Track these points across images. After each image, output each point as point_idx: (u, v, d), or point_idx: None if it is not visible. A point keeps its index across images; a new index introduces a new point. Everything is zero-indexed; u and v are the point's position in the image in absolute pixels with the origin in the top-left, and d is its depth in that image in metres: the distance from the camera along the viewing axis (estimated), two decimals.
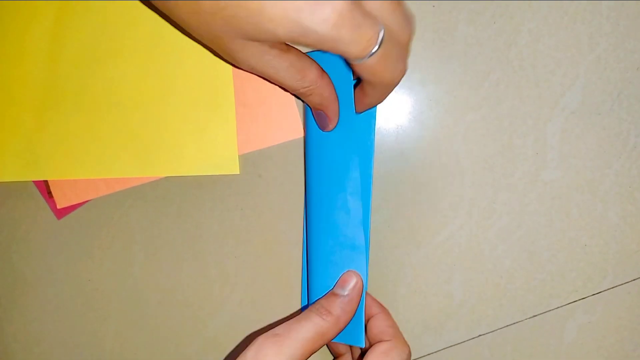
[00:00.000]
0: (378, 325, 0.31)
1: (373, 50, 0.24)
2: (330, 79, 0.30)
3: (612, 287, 0.35)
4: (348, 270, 0.31)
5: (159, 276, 0.38)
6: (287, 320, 0.29)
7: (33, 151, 0.37)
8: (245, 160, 0.36)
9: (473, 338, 0.36)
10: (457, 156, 0.35)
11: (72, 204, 0.38)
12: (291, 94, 0.34)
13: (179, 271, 0.38)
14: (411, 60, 0.31)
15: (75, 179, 0.37)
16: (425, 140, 0.35)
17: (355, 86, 0.31)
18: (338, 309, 0.29)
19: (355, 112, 0.32)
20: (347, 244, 0.32)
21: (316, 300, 0.30)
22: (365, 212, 0.32)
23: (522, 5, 0.34)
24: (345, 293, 0.30)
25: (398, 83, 0.28)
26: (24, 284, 0.39)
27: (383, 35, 0.24)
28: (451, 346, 0.36)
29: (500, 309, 0.36)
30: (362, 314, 0.31)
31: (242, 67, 0.28)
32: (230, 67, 0.35)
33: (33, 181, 0.38)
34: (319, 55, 0.30)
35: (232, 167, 0.36)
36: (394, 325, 0.31)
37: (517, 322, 0.36)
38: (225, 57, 0.28)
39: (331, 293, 0.30)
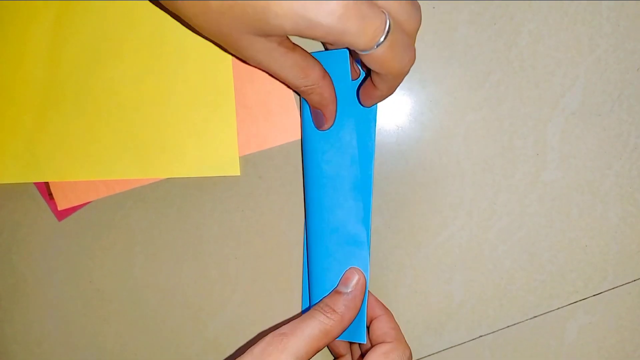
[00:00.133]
0: (381, 327, 0.31)
1: (380, 41, 0.24)
2: (331, 80, 0.30)
3: (613, 288, 0.35)
4: (350, 268, 0.32)
5: (160, 277, 0.38)
6: (290, 321, 0.29)
7: (33, 153, 0.37)
8: (246, 161, 0.36)
9: (473, 339, 0.36)
10: (457, 157, 0.35)
11: (72, 205, 0.38)
12: (292, 90, 0.35)
13: (179, 272, 0.38)
14: None
15: (75, 180, 0.37)
16: (426, 141, 0.35)
17: (363, 81, 0.31)
18: (342, 306, 0.29)
19: (364, 106, 0.32)
20: (349, 240, 0.32)
21: (320, 299, 0.31)
22: (366, 210, 0.33)
23: (522, 6, 0.34)
24: (349, 290, 0.30)
25: (407, 73, 0.28)
26: (24, 286, 0.39)
27: (390, 25, 0.24)
28: (452, 347, 0.36)
29: (501, 309, 0.36)
30: (364, 311, 0.31)
31: (249, 63, 0.29)
32: (231, 68, 0.35)
33: (34, 183, 0.38)
34: (321, 56, 0.31)
35: (233, 169, 0.36)
36: (397, 328, 0.32)
37: (517, 323, 0.36)
38: (233, 53, 0.29)
39: (335, 291, 0.31)
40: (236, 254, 0.37)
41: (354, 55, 0.31)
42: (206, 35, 0.28)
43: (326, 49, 0.33)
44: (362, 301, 0.31)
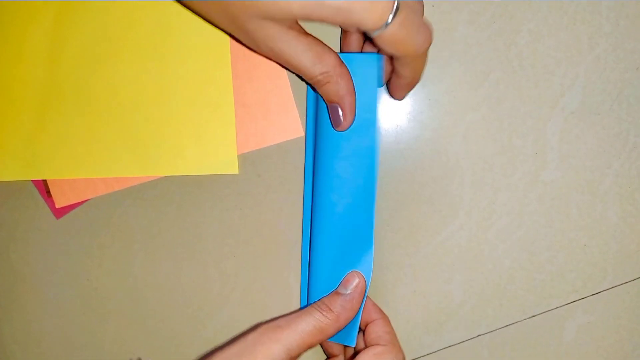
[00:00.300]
0: (376, 331, 0.31)
1: (389, 20, 0.24)
2: (348, 70, 0.29)
3: (612, 287, 0.35)
4: (352, 271, 0.32)
5: (158, 276, 0.38)
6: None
7: (32, 151, 0.37)
8: (245, 159, 0.36)
9: (472, 338, 0.36)
10: (456, 156, 0.35)
11: (71, 203, 0.38)
12: (307, 83, 0.33)
13: (178, 271, 0.38)
14: None
15: (74, 178, 0.37)
16: (425, 140, 0.35)
17: (387, 83, 0.31)
18: (339, 306, 0.30)
19: (397, 99, 0.31)
20: (354, 244, 0.32)
21: (320, 298, 0.31)
22: (370, 213, 0.32)
23: (521, 6, 0.34)
24: (348, 292, 0.31)
25: (425, 52, 0.27)
26: (22, 284, 0.39)
27: (398, 3, 0.24)
28: (451, 346, 0.36)
29: (500, 308, 0.36)
30: (359, 315, 0.31)
31: (261, 51, 0.28)
32: (230, 67, 0.35)
33: (32, 181, 0.38)
34: (348, 57, 0.30)
35: (231, 167, 0.36)
36: (391, 332, 0.32)
37: (516, 322, 0.36)
38: (244, 41, 0.28)
39: (334, 292, 0.31)
40: (235, 252, 0.37)
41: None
42: (216, 23, 0.28)
43: (341, 41, 0.32)
44: (360, 304, 0.31)
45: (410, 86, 0.30)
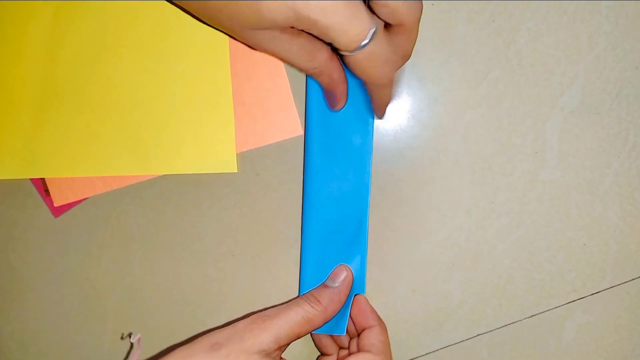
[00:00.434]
0: (371, 337, 0.32)
1: (362, 45, 0.25)
2: (340, 62, 0.30)
3: (611, 287, 0.35)
4: (340, 265, 0.33)
5: (157, 274, 0.38)
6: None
7: (30, 149, 0.37)
8: (243, 158, 0.36)
9: (472, 337, 0.36)
10: (455, 155, 0.35)
11: (69, 202, 0.38)
12: (304, 74, 0.35)
13: (176, 269, 0.38)
14: (410, 59, 0.31)
15: (72, 177, 0.37)
16: (424, 139, 0.35)
17: None
18: (327, 298, 0.31)
19: (377, 117, 0.33)
20: (348, 241, 0.33)
21: (308, 291, 0.32)
22: (364, 211, 0.34)
23: (521, 5, 0.34)
24: (336, 285, 0.32)
25: (386, 86, 0.29)
26: (20, 283, 0.39)
27: (374, 33, 0.25)
28: (450, 345, 0.36)
29: (499, 308, 0.36)
30: (348, 306, 0.33)
31: (259, 50, 0.30)
32: (229, 66, 0.35)
33: (30, 179, 0.38)
34: None
35: (230, 166, 0.36)
36: (386, 342, 0.32)
37: (515, 322, 0.36)
38: (242, 42, 0.31)
39: (322, 285, 0.33)
40: (233, 251, 0.37)
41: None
42: (214, 26, 0.30)
43: None
44: (347, 297, 0.32)
45: (381, 106, 0.31)
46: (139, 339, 0.32)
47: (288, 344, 0.30)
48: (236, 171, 0.36)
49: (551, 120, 0.34)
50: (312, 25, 0.25)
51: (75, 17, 0.36)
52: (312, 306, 0.30)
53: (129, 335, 0.38)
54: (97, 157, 0.37)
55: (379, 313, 0.34)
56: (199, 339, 0.29)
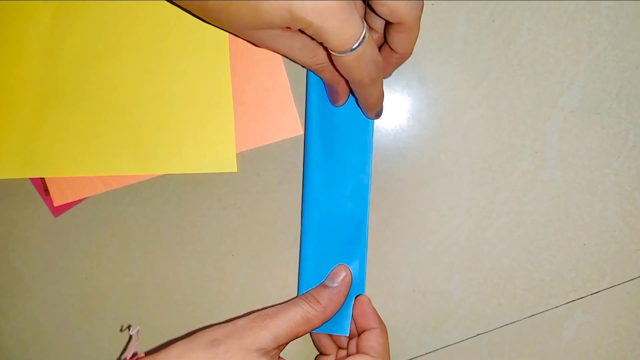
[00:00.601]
0: (370, 339, 0.32)
1: (353, 47, 0.26)
2: None
3: (611, 287, 0.35)
4: (339, 264, 0.33)
5: (157, 274, 0.38)
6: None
7: (30, 149, 0.37)
8: (243, 158, 0.36)
9: (471, 337, 0.36)
10: (455, 155, 0.35)
11: (69, 201, 0.38)
12: (307, 67, 0.35)
13: (176, 269, 0.38)
14: (410, 58, 0.31)
15: (72, 176, 0.37)
16: (424, 138, 0.35)
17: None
18: (326, 298, 0.31)
19: (367, 117, 0.33)
20: (348, 240, 0.33)
21: (307, 290, 0.32)
22: (364, 211, 0.34)
23: (521, 4, 0.34)
24: (335, 285, 0.32)
25: (371, 85, 0.29)
26: (20, 282, 0.39)
27: (364, 37, 0.26)
28: (449, 345, 0.36)
29: (499, 308, 0.36)
30: (350, 305, 0.33)
31: (262, 47, 0.31)
32: (229, 65, 0.35)
33: (30, 179, 0.38)
34: None
35: (230, 165, 0.36)
36: (385, 345, 0.32)
37: (515, 322, 0.36)
38: (246, 40, 0.32)
39: (322, 285, 0.33)
40: (233, 251, 0.37)
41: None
42: (216, 25, 0.31)
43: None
44: (346, 297, 0.32)
45: (369, 108, 0.32)
46: (138, 331, 0.32)
47: (287, 344, 0.30)
48: (236, 171, 0.36)
49: (551, 120, 0.34)
50: (308, 27, 0.26)
51: (75, 17, 0.36)
52: (311, 306, 0.31)
53: (128, 327, 0.38)
54: (97, 156, 0.37)
55: (378, 313, 0.34)
56: (198, 334, 0.29)
